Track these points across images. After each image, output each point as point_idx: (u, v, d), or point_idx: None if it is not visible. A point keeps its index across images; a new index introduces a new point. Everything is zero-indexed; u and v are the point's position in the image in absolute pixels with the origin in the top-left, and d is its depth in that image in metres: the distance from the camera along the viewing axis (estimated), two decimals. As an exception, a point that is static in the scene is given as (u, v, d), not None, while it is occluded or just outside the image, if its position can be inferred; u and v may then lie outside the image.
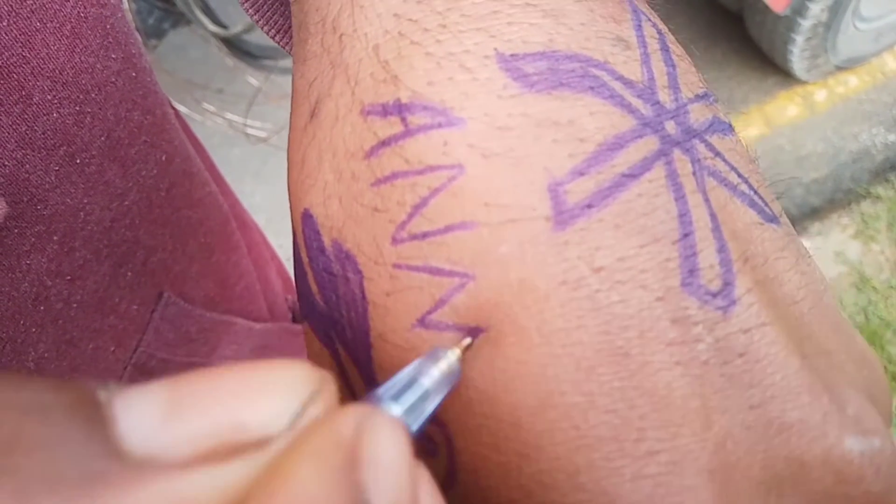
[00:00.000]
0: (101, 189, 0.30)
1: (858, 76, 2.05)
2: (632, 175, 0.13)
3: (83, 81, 0.27)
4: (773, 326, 0.13)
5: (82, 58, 0.27)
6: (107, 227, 0.31)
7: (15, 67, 0.25)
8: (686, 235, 0.12)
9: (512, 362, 0.12)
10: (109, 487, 0.08)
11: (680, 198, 0.13)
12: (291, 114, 0.16)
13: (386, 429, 0.09)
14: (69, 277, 0.29)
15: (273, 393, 0.09)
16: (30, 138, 0.26)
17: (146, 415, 0.09)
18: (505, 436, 0.12)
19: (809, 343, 0.13)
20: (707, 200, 0.13)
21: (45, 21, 0.25)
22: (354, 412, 0.09)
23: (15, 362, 0.28)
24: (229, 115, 1.67)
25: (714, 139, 0.14)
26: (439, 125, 0.13)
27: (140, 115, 0.31)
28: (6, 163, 0.25)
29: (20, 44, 0.25)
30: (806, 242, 1.59)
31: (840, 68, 1.98)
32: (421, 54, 0.13)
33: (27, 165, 0.26)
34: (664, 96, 0.14)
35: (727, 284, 0.12)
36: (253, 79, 1.64)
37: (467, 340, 0.12)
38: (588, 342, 0.12)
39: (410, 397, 0.11)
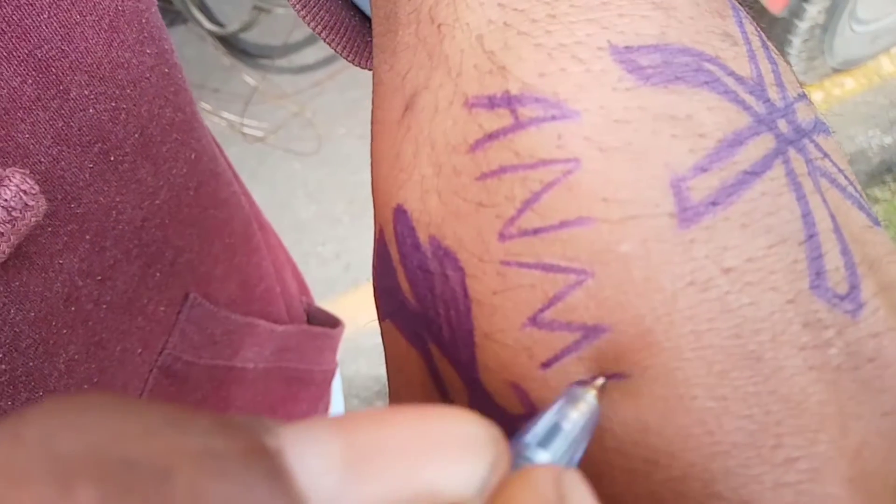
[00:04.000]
0: (133, 187, 0.29)
1: (855, 78, 2.06)
2: (754, 173, 0.12)
3: (119, 77, 0.27)
4: None
5: (119, 52, 0.26)
6: (137, 226, 0.30)
7: (54, 61, 0.24)
8: (811, 237, 0.12)
9: (638, 366, 0.12)
10: None
11: (801, 197, 0.12)
12: (377, 106, 0.15)
13: (581, 487, 0.09)
14: (100, 277, 0.29)
15: (461, 454, 0.09)
16: (66, 134, 0.25)
17: (324, 471, 0.08)
18: (632, 441, 0.12)
19: None
20: (825, 201, 0.13)
21: (84, 14, 0.25)
22: (551, 472, 0.09)
23: (46, 364, 0.27)
24: (226, 115, 1.66)
25: (820, 139, 0.14)
26: (553, 118, 0.12)
27: (172, 111, 0.30)
28: (42, 159, 0.25)
29: (60, 37, 0.24)
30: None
31: (837, 70, 1.99)
32: (530, 45, 0.13)
33: (62, 162, 0.26)
34: (773, 94, 0.13)
35: (853, 288, 0.12)
36: (250, 78, 1.63)
37: (601, 381, 0.12)
38: (719, 345, 0.11)
39: (560, 446, 0.11)
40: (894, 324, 0.12)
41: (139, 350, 0.32)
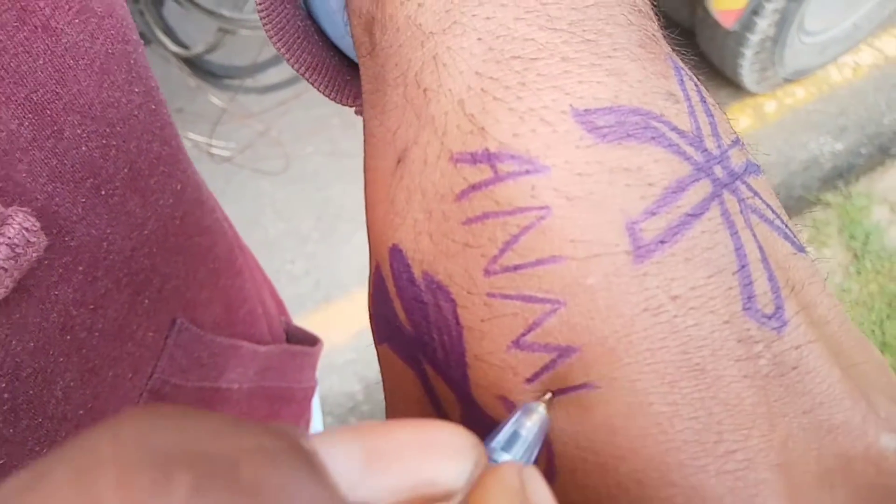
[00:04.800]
0: (123, 219, 0.30)
1: (805, 88, 2.14)
2: (694, 214, 0.14)
3: (110, 115, 0.28)
4: (818, 343, 0.15)
5: (109, 93, 0.28)
6: (127, 256, 0.31)
7: (48, 103, 0.25)
8: (743, 266, 0.14)
9: (605, 378, 0.14)
10: None
11: (734, 233, 0.14)
12: (369, 156, 0.17)
13: (538, 478, 0.12)
14: (92, 306, 0.30)
15: (453, 454, 0.11)
16: (60, 172, 0.27)
17: (348, 466, 0.10)
18: (602, 440, 0.14)
19: (842, 357, 0.15)
20: (755, 235, 0.15)
21: (77, 58, 0.26)
22: (514, 467, 0.12)
23: (45, 392, 0.28)
24: (192, 135, 1.66)
25: (751, 180, 0.16)
26: (527, 172, 0.14)
27: (158, 146, 0.32)
28: (38, 196, 0.26)
29: (54, 81, 0.25)
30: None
31: (788, 80, 2.06)
32: (504, 109, 0.15)
33: (57, 198, 0.27)
34: (710, 144, 0.16)
35: (778, 308, 0.14)
36: (216, 98, 1.64)
37: (548, 395, 0.14)
38: (670, 360, 0.14)
39: (519, 449, 0.13)
40: (813, 337, 0.14)
41: (130, 375, 0.33)
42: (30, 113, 0.25)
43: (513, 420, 0.14)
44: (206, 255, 0.38)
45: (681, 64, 0.17)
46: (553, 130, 0.15)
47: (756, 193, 0.16)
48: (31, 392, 0.27)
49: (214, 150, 1.66)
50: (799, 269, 0.16)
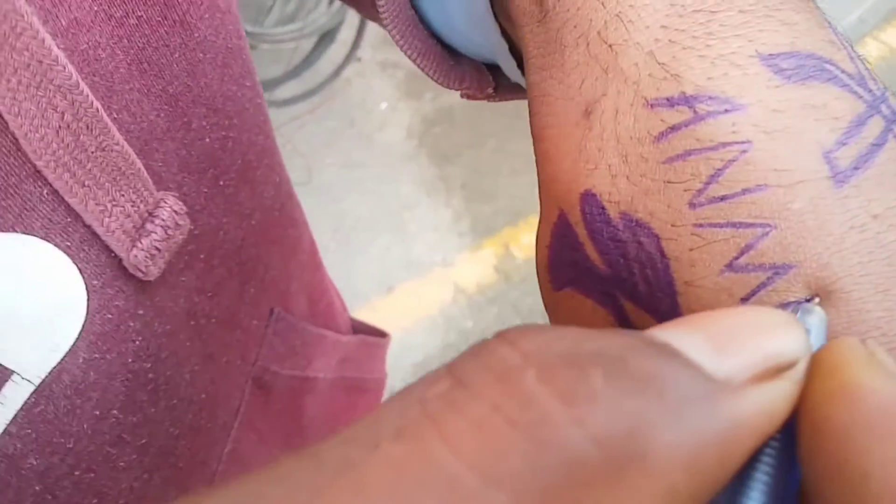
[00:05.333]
0: (235, 209, 0.32)
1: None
2: (878, 144, 0.16)
3: (228, 108, 0.29)
4: None
5: (229, 86, 0.29)
6: (238, 245, 0.32)
7: (181, 96, 0.27)
8: None
9: (823, 291, 0.15)
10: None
11: None
12: (547, 114, 0.18)
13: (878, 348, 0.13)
14: (210, 294, 0.31)
15: (788, 328, 0.12)
16: (187, 162, 0.28)
17: (696, 353, 0.11)
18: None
19: None
20: None
21: (205, 52, 0.27)
22: (853, 339, 0.13)
23: (177, 375, 0.29)
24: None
25: None
26: (725, 111, 0.16)
27: (263, 139, 0.33)
28: (170, 185, 0.27)
29: (186, 73, 0.27)
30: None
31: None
32: (695, 56, 0.16)
33: (185, 188, 0.28)
34: (872, 86, 0.17)
35: None
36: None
37: (816, 299, 0.15)
38: (880, 271, 0.15)
39: (818, 341, 0.14)
40: None
41: (238, 362, 0.35)
42: (165, 105, 0.26)
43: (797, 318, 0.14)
44: (296, 247, 0.39)
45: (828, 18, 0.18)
46: (744, 73, 0.16)
47: None
48: (168, 373, 0.28)
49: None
50: None
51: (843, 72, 0.17)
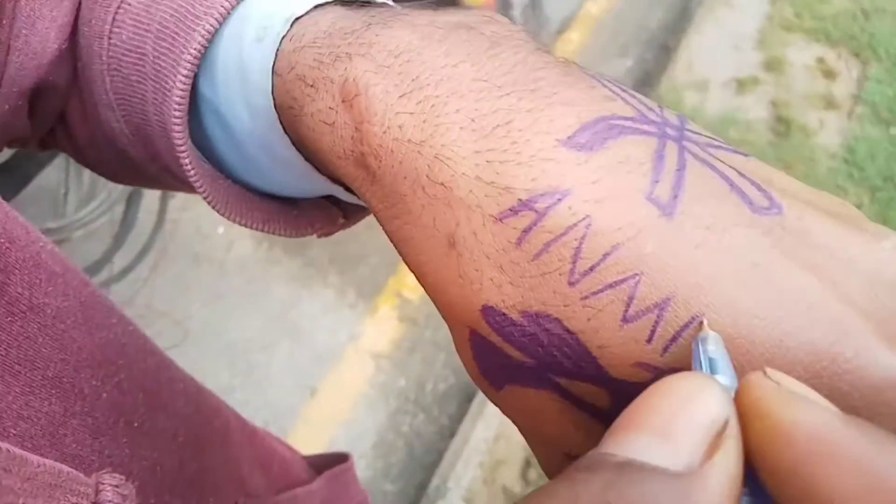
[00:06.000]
0: (160, 441, 0.31)
1: (578, 31, 2.33)
2: (681, 168, 0.18)
3: (108, 353, 0.29)
4: (807, 205, 0.19)
5: (98, 335, 0.29)
6: (178, 470, 0.32)
7: (61, 373, 0.26)
8: (731, 184, 0.18)
9: (703, 306, 0.17)
10: None
11: (712, 167, 0.19)
12: (416, 254, 0.20)
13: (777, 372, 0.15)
14: None
15: (706, 390, 0.15)
16: (96, 427, 0.27)
17: (655, 453, 0.14)
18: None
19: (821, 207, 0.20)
20: (721, 161, 0.19)
21: (64, 320, 0.27)
22: (758, 374, 0.15)
23: None
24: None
25: (688, 125, 0.20)
26: (558, 200, 0.18)
27: (151, 357, 0.33)
28: (92, 458, 0.27)
29: (56, 349, 0.26)
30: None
31: (560, 31, 2.24)
32: (513, 166, 0.18)
33: (106, 451, 0.28)
34: (652, 116, 0.20)
35: (770, 199, 0.18)
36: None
37: (704, 320, 0.17)
38: (734, 271, 0.17)
39: (725, 369, 0.16)
40: (802, 205, 0.19)
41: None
42: (53, 389, 0.26)
43: (700, 354, 0.16)
44: (227, 432, 0.39)
45: (589, 70, 0.21)
46: (556, 162, 0.18)
47: (698, 132, 0.20)
48: None
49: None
50: (756, 166, 0.20)
51: (626, 119, 0.19)
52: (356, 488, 0.51)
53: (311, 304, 1.79)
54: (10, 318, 0.25)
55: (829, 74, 2.21)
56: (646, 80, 2.22)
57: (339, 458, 0.52)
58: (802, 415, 0.14)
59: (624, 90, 0.21)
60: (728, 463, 0.14)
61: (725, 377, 0.16)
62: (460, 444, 1.54)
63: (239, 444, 0.39)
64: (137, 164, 0.34)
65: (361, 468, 1.60)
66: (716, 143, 0.20)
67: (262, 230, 0.29)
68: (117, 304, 0.32)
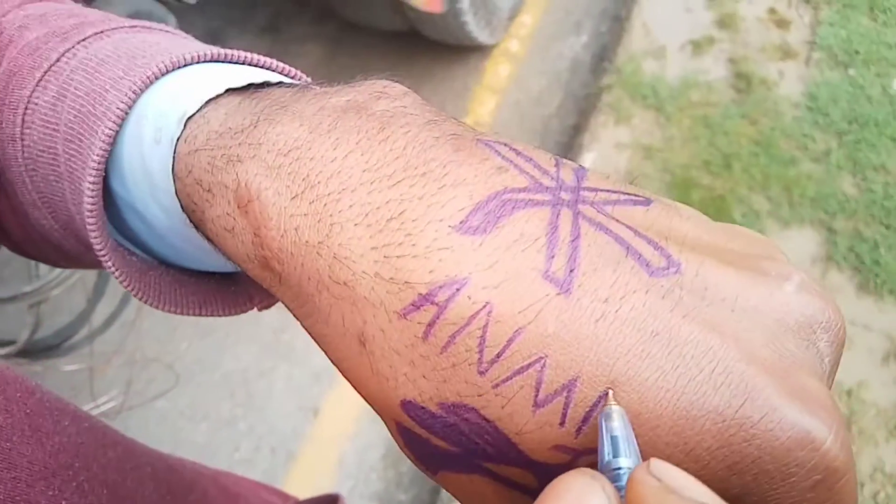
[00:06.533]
0: None
1: (530, 13, 2.33)
2: (575, 238, 0.18)
3: (62, 459, 0.29)
4: (706, 258, 0.19)
5: (49, 441, 0.29)
6: None
7: (17, 495, 0.26)
8: (628, 248, 0.19)
9: (609, 383, 0.17)
10: None
11: (608, 231, 0.19)
12: (333, 351, 0.20)
13: (663, 467, 0.15)
14: None
15: (590, 494, 0.15)
16: None
17: None
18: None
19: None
20: (618, 221, 0.19)
21: (11, 440, 0.27)
22: (640, 470, 0.15)
23: None
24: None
25: (586, 182, 0.20)
26: (457, 290, 0.18)
27: (113, 450, 0.33)
28: None
29: (9, 478, 0.26)
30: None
31: (511, 17, 2.24)
32: (409, 258, 0.18)
33: None
34: (547, 181, 0.20)
35: (668, 258, 0.19)
36: (72, 365, 1.56)
37: (609, 392, 0.17)
38: (633, 341, 0.17)
39: (626, 447, 0.16)
40: (699, 258, 0.19)
41: None
42: None
43: (604, 432, 0.17)
44: (207, 494, 0.39)
45: (484, 136, 0.21)
46: (451, 251, 0.18)
47: (596, 188, 0.20)
48: None
49: (103, 408, 1.58)
50: (656, 217, 0.20)
51: (518, 191, 0.19)
52: (350, 528, 0.51)
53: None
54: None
55: (782, 24, 2.21)
56: (603, 55, 2.22)
57: (331, 501, 0.52)
58: None
59: (519, 153, 0.21)
60: None
61: (628, 458, 0.16)
62: (467, 444, 1.54)
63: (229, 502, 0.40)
64: (75, 254, 0.33)
65: (373, 481, 1.60)
66: (614, 196, 0.20)
67: (200, 315, 0.29)
68: (71, 404, 0.32)
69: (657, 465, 0.15)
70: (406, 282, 0.18)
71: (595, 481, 0.15)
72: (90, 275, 1.59)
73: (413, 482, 1.61)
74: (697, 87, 2.09)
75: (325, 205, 0.20)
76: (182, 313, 0.29)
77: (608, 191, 0.20)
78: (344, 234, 0.19)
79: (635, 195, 0.20)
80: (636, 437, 0.17)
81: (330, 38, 2.23)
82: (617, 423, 0.17)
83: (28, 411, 0.29)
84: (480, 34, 2.06)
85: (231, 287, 0.31)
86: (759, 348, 0.17)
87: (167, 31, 0.32)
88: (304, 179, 0.20)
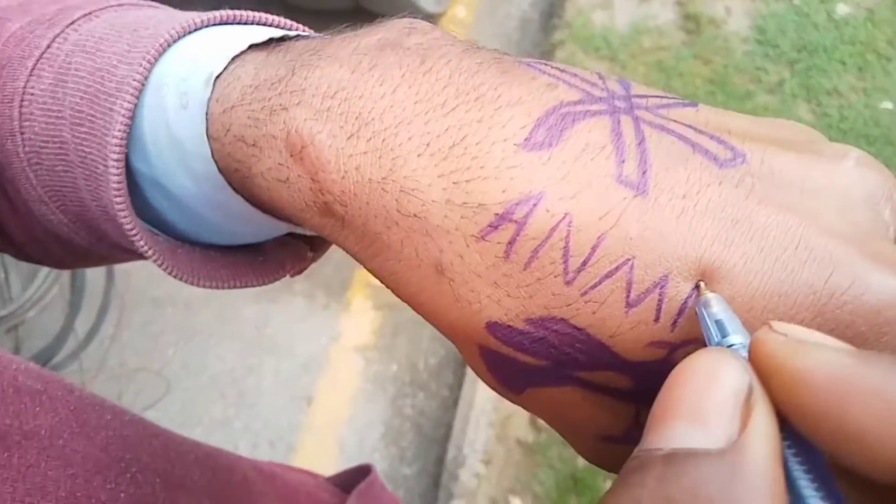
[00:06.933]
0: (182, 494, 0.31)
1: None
2: (640, 142, 0.19)
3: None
4: None
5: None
6: None
7: None
8: (695, 146, 0.19)
9: (700, 275, 0.18)
10: None
11: (671, 132, 0.19)
12: (406, 286, 0.20)
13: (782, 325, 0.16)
14: None
15: (724, 363, 0.15)
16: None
17: (696, 438, 0.14)
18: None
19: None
20: (676, 121, 0.19)
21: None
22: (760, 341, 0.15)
23: None
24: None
25: (633, 90, 0.20)
26: (534, 205, 0.18)
27: (151, 439, 0.32)
28: None
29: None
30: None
31: (455, -17, 2.22)
32: (480, 181, 0.18)
33: None
34: (597, 92, 0.20)
35: (733, 149, 0.19)
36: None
37: (701, 283, 0.17)
38: (717, 230, 0.18)
39: (734, 326, 0.16)
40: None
41: None
42: None
43: (706, 319, 0.17)
44: (246, 484, 0.38)
45: (524, 59, 0.21)
46: (521, 168, 0.18)
47: (645, 94, 0.20)
48: None
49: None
50: (708, 115, 0.20)
51: (574, 104, 0.19)
52: (388, 496, 0.51)
53: (285, 317, 1.77)
54: (7, 454, 0.24)
55: (723, -39, 2.23)
56: (552, 11, 2.22)
57: (363, 472, 0.52)
58: (814, 360, 0.14)
59: (563, 70, 0.21)
60: (763, 426, 0.14)
61: (737, 335, 0.16)
62: (465, 410, 1.55)
63: (261, 494, 0.39)
64: (85, 249, 0.32)
65: (376, 460, 1.61)
66: (664, 101, 0.20)
67: (234, 287, 0.29)
68: (108, 401, 0.31)
69: (777, 323, 0.15)
70: (480, 204, 0.18)
71: (722, 354, 0.15)
72: (65, 292, 1.56)
73: (417, 456, 1.62)
74: (648, 32, 2.10)
75: (384, 140, 0.19)
76: (217, 287, 0.28)
77: (657, 96, 0.20)
78: (408, 166, 0.19)
79: (682, 99, 0.20)
80: None
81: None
82: (717, 308, 0.17)
83: (72, 408, 0.28)
84: (426, 3, 2.04)
85: (259, 258, 0.30)
86: (833, 222, 0.18)
87: (155, 6, 0.31)
88: (356, 118, 0.20)
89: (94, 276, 1.66)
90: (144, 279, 1.81)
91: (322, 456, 1.64)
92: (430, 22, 0.22)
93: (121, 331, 1.70)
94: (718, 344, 0.16)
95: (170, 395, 1.69)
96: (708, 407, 0.14)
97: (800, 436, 0.15)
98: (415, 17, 0.23)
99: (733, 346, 0.16)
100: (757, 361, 0.15)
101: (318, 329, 1.77)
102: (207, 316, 1.79)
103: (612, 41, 2.07)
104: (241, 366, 1.74)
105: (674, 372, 0.15)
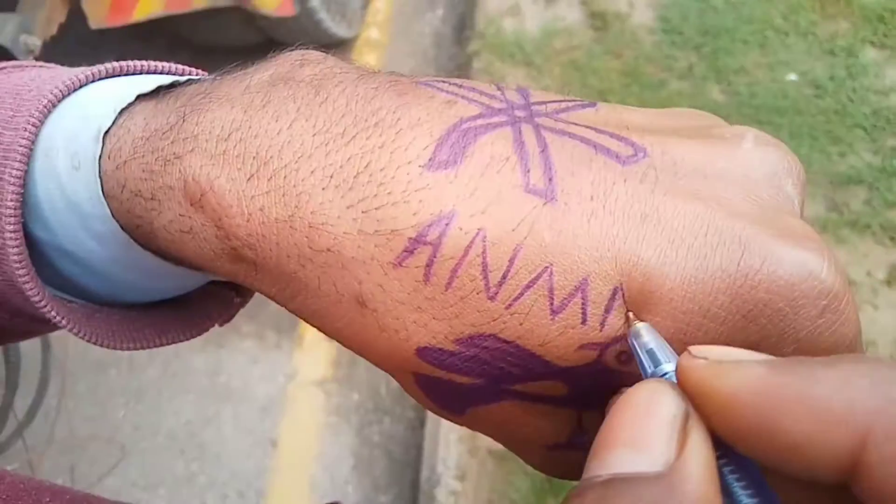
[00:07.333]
0: None
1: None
2: (543, 148, 0.19)
3: None
4: None
5: None
6: None
7: None
8: (596, 147, 0.19)
9: (623, 275, 0.18)
10: None
11: (573, 136, 0.19)
12: (332, 321, 0.19)
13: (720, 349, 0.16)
14: None
15: (659, 392, 0.16)
16: None
17: (635, 462, 0.15)
18: None
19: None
20: (578, 124, 0.20)
21: None
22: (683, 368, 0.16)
23: None
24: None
25: (531, 97, 0.21)
26: (446, 225, 0.18)
27: None
28: None
29: None
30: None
31: (364, 7, 2.23)
32: (389, 206, 0.18)
33: None
34: (497, 104, 0.20)
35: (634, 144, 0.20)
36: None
37: (630, 314, 0.18)
38: (628, 228, 0.18)
39: (666, 355, 0.17)
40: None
41: None
42: None
43: (638, 347, 0.17)
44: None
45: (420, 78, 0.21)
46: (428, 189, 0.18)
47: (543, 100, 0.21)
48: None
49: None
50: (606, 114, 0.20)
51: (475, 118, 0.19)
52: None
53: (236, 361, 1.73)
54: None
55: (620, -43, 2.30)
56: (463, 24, 2.25)
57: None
58: (735, 380, 0.15)
59: (460, 85, 0.21)
60: (697, 448, 0.15)
61: (669, 363, 0.17)
62: (433, 429, 1.54)
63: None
64: (5, 326, 0.31)
65: (350, 493, 1.58)
66: (563, 105, 0.20)
67: (161, 345, 0.28)
68: (46, 482, 0.30)
69: (696, 348, 0.16)
70: (392, 230, 0.18)
71: (658, 384, 0.16)
72: (-2, 370, 1.49)
73: (391, 482, 1.60)
74: (558, 34, 2.15)
75: (285, 177, 0.19)
76: (142, 347, 0.27)
77: (555, 101, 0.21)
78: (314, 200, 0.19)
79: (580, 100, 0.21)
80: (654, 314, 0.18)
81: (185, 64, 2.14)
82: (647, 338, 0.17)
83: (4, 497, 0.26)
84: (338, 29, 2.04)
85: (184, 311, 0.29)
86: (739, 204, 0.18)
87: (40, 66, 0.30)
88: (254, 158, 0.19)
89: (30, 347, 1.59)
90: (83, 343, 1.74)
91: (294, 498, 1.60)
92: (344, 47, 0.22)
93: (66, 400, 1.63)
94: (653, 374, 0.17)
95: (126, 460, 1.63)
96: (646, 433, 0.15)
97: (739, 456, 0.15)
98: (307, 49, 0.23)
99: (666, 375, 0.16)
100: (686, 389, 0.15)
101: (272, 369, 1.73)
102: (154, 372, 1.74)
103: (525, 46, 2.11)
104: (197, 418, 1.69)
105: (613, 406, 0.15)
